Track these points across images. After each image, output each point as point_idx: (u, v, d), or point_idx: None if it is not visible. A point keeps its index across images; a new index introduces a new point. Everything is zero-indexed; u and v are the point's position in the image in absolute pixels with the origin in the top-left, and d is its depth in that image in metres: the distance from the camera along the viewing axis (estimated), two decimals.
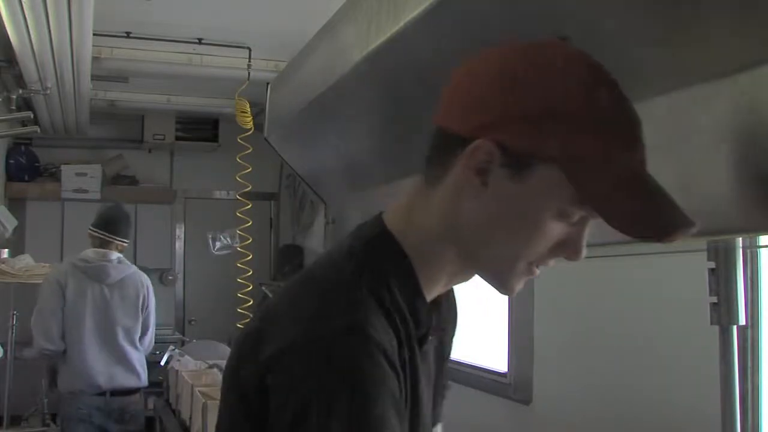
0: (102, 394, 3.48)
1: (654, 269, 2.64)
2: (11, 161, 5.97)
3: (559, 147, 0.78)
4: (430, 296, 0.89)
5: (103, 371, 3.49)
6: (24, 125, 4.76)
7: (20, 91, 4.19)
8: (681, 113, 1.00)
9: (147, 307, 3.69)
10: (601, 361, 3.01)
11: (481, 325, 4.45)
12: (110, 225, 3.65)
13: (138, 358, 3.64)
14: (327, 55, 1.87)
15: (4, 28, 3.18)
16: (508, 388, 3.70)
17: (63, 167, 6.12)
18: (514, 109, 0.79)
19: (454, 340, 1.10)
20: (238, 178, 4.41)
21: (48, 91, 4.11)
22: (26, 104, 4.63)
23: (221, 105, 5.50)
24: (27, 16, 2.99)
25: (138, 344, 3.65)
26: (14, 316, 3.90)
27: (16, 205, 5.81)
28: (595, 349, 3.09)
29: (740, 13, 0.85)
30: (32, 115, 4.12)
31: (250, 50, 4.30)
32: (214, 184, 6.43)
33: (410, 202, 0.90)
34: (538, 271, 0.87)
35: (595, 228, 1.21)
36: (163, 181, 6.72)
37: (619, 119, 0.80)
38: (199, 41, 4.26)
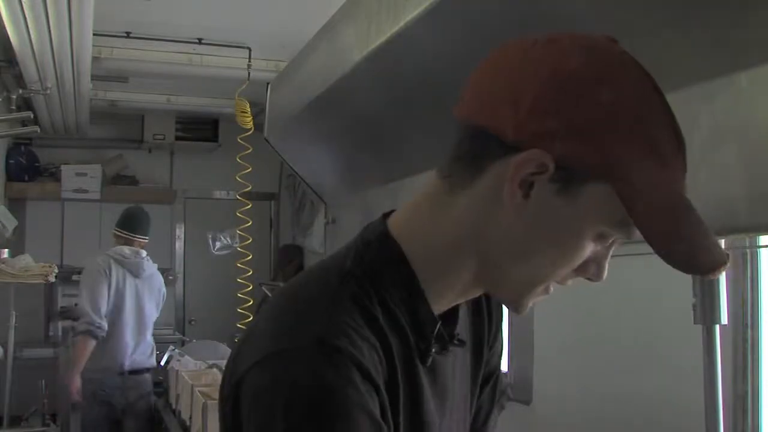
0: (122, 373, 3.94)
1: (654, 270, 2.64)
2: (11, 161, 5.97)
3: (616, 163, 0.70)
4: (437, 308, 0.81)
5: (130, 353, 3.99)
6: (24, 125, 4.76)
7: (20, 91, 4.19)
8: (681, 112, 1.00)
9: (164, 300, 4.33)
10: (601, 361, 3.01)
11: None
12: (132, 225, 4.16)
13: (152, 343, 4.20)
14: (327, 55, 1.87)
15: (4, 28, 3.18)
16: (508, 388, 3.71)
17: (63, 167, 6.12)
18: (578, 117, 0.70)
19: (498, 350, 0.98)
20: (238, 178, 4.41)
21: (48, 91, 4.11)
22: (26, 104, 4.63)
23: (221, 105, 5.50)
24: (27, 16, 2.99)
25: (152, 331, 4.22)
26: (14, 316, 3.90)
27: (16, 205, 5.81)
28: (595, 349, 3.09)
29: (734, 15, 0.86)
30: (32, 115, 4.12)
31: (250, 50, 4.30)
32: (214, 184, 6.43)
33: (424, 203, 0.80)
34: (552, 290, 0.80)
35: None
36: (163, 181, 6.72)
37: (672, 138, 0.73)
38: (199, 41, 4.26)
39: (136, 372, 4.00)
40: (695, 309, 1.42)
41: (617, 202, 0.70)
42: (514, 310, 0.81)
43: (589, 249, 0.75)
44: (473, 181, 0.75)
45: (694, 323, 1.45)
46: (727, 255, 0.73)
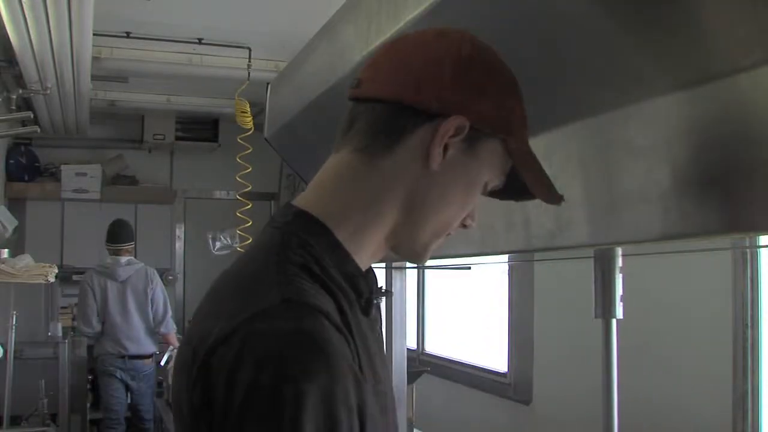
0: (122, 357, 4.80)
1: (654, 270, 2.64)
2: (11, 161, 5.97)
3: (505, 122, 0.89)
4: (362, 266, 0.90)
5: (123, 342, 4.80)
6: (24, 125, 4.76)
7: (20, 91, 4.19)
8: (671, 115, 1.00)
9: (153, 292, 4.94)
10: (601, 361, 3.01)
11: (481, 325, 4.45)
12: (113, 237, 5.00)
13: (148, 332, 4.89)
14: (327, 55, 1.86)
15: (4, 28, 3.18)
16: (508, 388, 3.71)
17: (63, 167, 6.12)
18: (477, 85, 0.88)
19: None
20: (238, 178, 4.41)
21: (48, 91, 4.11)
22: (26, 104, 4.63)
23: (221, 105, 5.50)
24: (27, 16, 2.99)
25: (151, 321, 4.91)
26: (14, 316, 3.91)
27: (16, 205, 5.81)
28: (595, 349, 3.08)
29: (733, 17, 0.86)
30: (32, 115, 4.12)
31: (250, 50, 4.30)
32: (214, 184, 6.43)
33: (334, 179, 0.91)
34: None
35: (594, 229, 1.21)
36: (163, 181, 6.72)
37: (522, 105, 0.93)
38: (199, 41, 4.26)
39: (135, 357, 4.84)
40: (597, 305, 1.60)
41: (504, 155, 0.91)
42: (418, 258, 0.94)
43: (475, 196, 0.92)
44: (394, 149, 0.88)
45: (594, 317, 1.64)
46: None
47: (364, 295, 0.89)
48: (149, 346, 4.95)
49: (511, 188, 0.96)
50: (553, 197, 0.95)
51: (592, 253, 1.54)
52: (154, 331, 4.99)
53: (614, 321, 1.62)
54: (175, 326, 5.10)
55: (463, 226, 0.94)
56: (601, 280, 1.61)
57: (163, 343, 4.99)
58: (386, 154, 0.88)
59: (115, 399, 4.82)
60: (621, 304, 1.60)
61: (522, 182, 0.92)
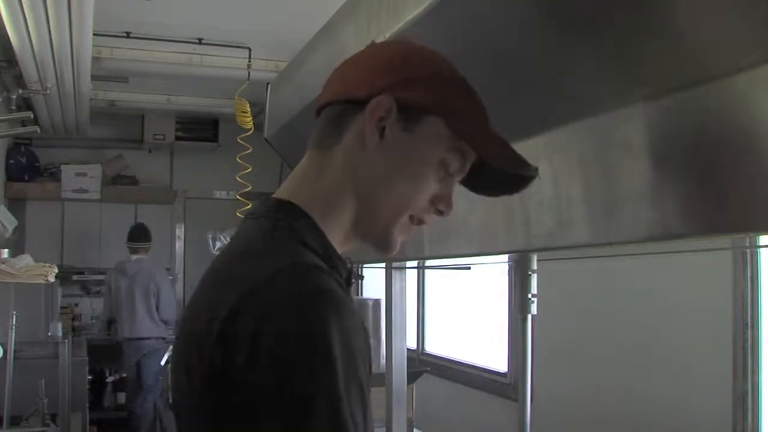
0: (130, 339, 5.58)
1: (653, 270, 2.64)
2: (11, 161, 5.97)
3: (441, 101, 0.96)
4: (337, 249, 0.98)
5: (128, 327, 5.59)
6: (24, 125, 4.76)
7: (20, 91, 4.19)
8: (681, 112, 1.00)
9: (156, 286, 5.62)
10: (601, 361, 3.01)
11: (480, 325, 4.45)
12: (130, 237, 5.73)
13: (151, 319, 5.61)
14: (327, 55, 1.86)
15: (4, 28, 3.18)
16: (508, 388, 3.71)
17: (63, 167, 6.12)
18: (407, 73, 0.96)
19: None
20: (238, 178, 4.41)
21: (48, 91, 4.11)
22: (26, 104, 4.63)
23: (221, 105, 5.50)
24: (27, 16, 2.99)
25: (154, 311, 5.62)
26: (14, 316, 3.90)
27: (16, 205, 5.81)
28: (595, 349, 3.09)
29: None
30: (32, 115, 4.11)
31: (250, 50, 4.30)
32: (214, 184, 6.42)
33: (305, 171, 1.00)
34: (414, 228, 0.99)
35: (594, 229, 1.21)
36: (163, 181, 6.72)
37: (469, 90, 1.00)
38: (199, 41, 4.26)
39: (132, 339, 5.59)
40: (514, 304, 1.85)
41: (449, 131, 0.96)
42: (383, 247, 0.98)
43: (435, 176, 0.97)
44: (341, 138, 0.97)
45: (515, 315, 1.83)
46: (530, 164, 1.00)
47: (343, 274, 0.96)
48: (152, 331, 5.61)
49: (488, 179, 1.02)
50: (523, 168, 0.99)
51: (592, 253, 1.54)
52: (156, 320, 5.64)
53: (529, 317, 1.85)
54: (175, 315, 5.68)
55: (439, 212, 0.99)
56: (519, 283, 1.83)
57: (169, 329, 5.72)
58: (336, 146, 0.98)
59: (128, 371, 5.69)
60: (534, 302, 1.83)
61: (498, 171, 0.98)
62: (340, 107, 0.99)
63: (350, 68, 1.03)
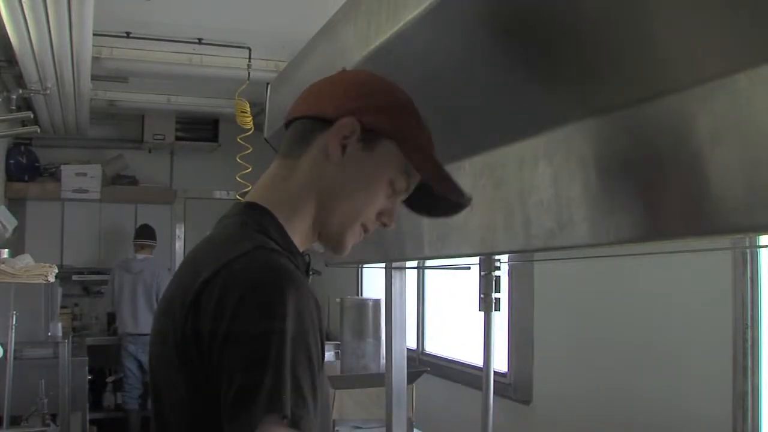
0: (132, 334, 5.73)
1: (653, 270, 2.64)
2: (11, 161, 5.97)
3: (398, 128, 1.10)
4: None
5: (131, 322, 5.76)
6: (24, 125, 4.76)
7: (20, 91, 4.19)
8: (681, 112, 1.00)
9: (158, 285, 5.77)
10: (601, 361, 3.01)
11: (480, 325, 4.45)
12: (136, 234, 5.98)
13: (152, 315, 5.65)
14: (327, 55, 1.86)
15: (4, 28, 3.18)
16: (508, 388, 3.70)
17: (63, 167, 6.12)
18: (373, 101, 1.11)
19: None
20: (238, 178, 4.41)
21: (48, 91, 4.12)
22: (26, 104, 4.64)
23: (221, 105, 5.50)
24: (27, 16, 2.99)
25: (155, 308, 5.47)
26: (14, 316, 3.90)
27: (16, 205, 5.81)
28: (595, 349, 3.09)
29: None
30: (32, 115, 4.11)
31: (250, 50, 4.30)
32: (214, 184, 6.43)
33: (273, 177, 1.13)
34: (363, 236, 1.13)
35: (594, 229, 1.21)
36: (163, 181, 6.72)
37: (423, 126, 1.15)
38: (199, 41, 4.26)
39: (135, 335, 5.72)
40: (481, 301, 2.09)
41: (400, 155, 1.10)
42: (338, 249, 1.13)
43: (384, 192, 1.11)
44: (308, 149, 1.11)
45: (479, 311, 2.10)
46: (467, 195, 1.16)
47: (301, 266, 1.08)
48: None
49: (427, 202, 1.16)
50: (459, 197, 1.13)
51: (592, 253, 1.54)
52: None
53: (493, 314, 2.09)
54: None
55: (383, 225, 1.14)
56: (484, 282, 2.07)
57: None
58: (302, 156, 1.11)
59: (126, 367, 5.80)
60: (496, 300, 2.08)
61: (436, 195, 1.12)
62: (309, 122, 1.12)
63: (321, 89, 1.16)
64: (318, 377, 0.94)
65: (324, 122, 1.10)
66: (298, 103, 1.18)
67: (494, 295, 2.08)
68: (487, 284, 2.07)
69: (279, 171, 1.13)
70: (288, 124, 1.17)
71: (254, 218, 1.07)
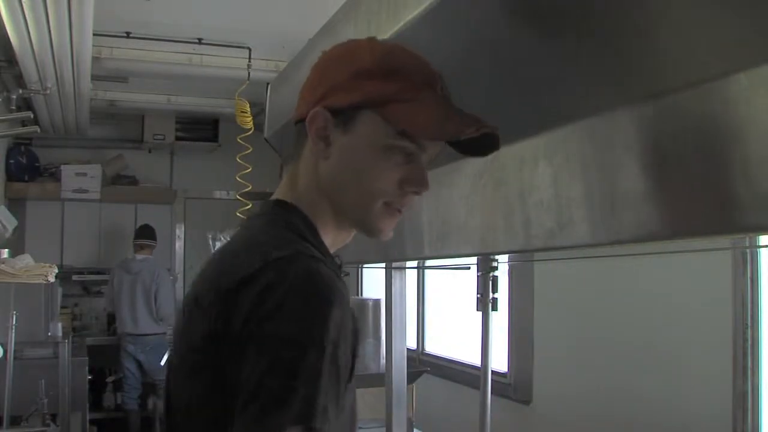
0: (131, 334, 5.74)
1: (653, 270, 2.64)
2: (11, 161, 5.97)
3: (363, 96, 1.03)
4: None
5: (130, 322, 5.74)
6: (24, 125, 4.76)
7: (20, 91, 4.19)
8: (681, 112, 1.00)
9: (156, 285, 5.78)
10: (601, 361, 3.01)
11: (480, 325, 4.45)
12: (138, 234, 5.93)
13: (151, 317, 5.77)
14: None
15: (4, 28, 3.18)
16: (508, 388, 3.71)
17: (63, 167, 6.11)
18: (326, 83, 1.06)
19: None
20: (238, 178, 4.40)
21: (48, 91, 4.11)
22: (26, 104, 4.63)
23: (221, 105, 5.50)
24: (27, 16, 2.99)
25: (153, 308, 5.78)
26: (14, 316, 3.90)
27: (16, 205, 5.81)
28: (595, 349, 3.09)
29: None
30: (32, 115, 4.11)
31: (250, 50, 4.30)
32: (214, 184, 6.43)
33: (285, 181, 1.12)
34: (400, 213, 1.07)
35: (594, 229, 1.21)
36: (163, 181, 6.71)
37: (393, 71, 1.05)
38: (199, 41, 4.26)
39: (135, 335, 5.74)
40: (479, 301, 2.08)
41: (383, 121, 1.02)
42: (373, 234, 1.07)
43: (386, 162, 1.03)
44: (302, 152, 1.09)
45: (476, 311, 2.11)
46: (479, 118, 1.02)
47: (335, 271, 1.03)
48: (152, 328, 5.78)
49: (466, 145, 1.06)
50: (477, 128, 1.02)
51: (592, 253, 1.54)
52: (156, 317, 5.80)
53: (491, 314, 2.10)
54: (172, 312, 5.80)
55: (414, 193, 1.06)
56: (481, 282, 2.07)
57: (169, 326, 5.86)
58: (299, 159, 1.10)
59: (125, 367, 5.79)
60: (494, 300, 2.09)
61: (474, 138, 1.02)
62: (297, 126, 1.11)
63: (301, 90, 1.14)
64: (343, 393, 0.92)
65: (304, 122, 1.08)
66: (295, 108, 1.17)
67: (492, 295, 2.08)
68: (485, 284, 2.08)
69: (289, 175, 1.12)
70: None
71: (287, 218, 1.05)
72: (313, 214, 1.06)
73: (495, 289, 2.07)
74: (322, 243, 1.05)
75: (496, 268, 2.08)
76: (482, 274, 2.08)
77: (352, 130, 1.04)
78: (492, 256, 2.03)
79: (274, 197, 1.11)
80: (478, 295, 2.09)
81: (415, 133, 1.03)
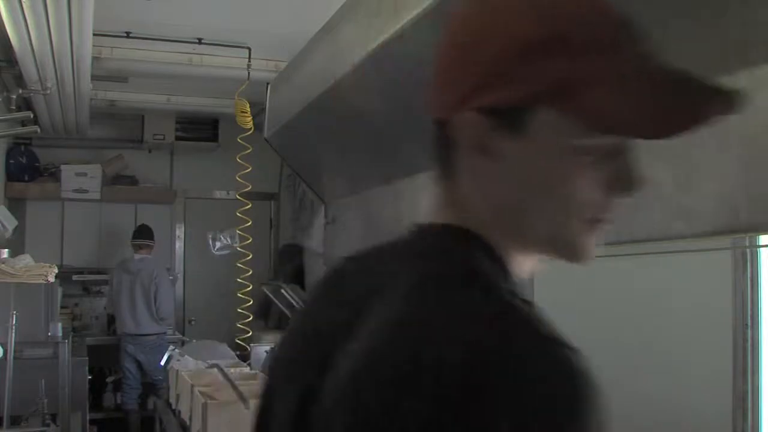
0: (131, 335, 5.76)
1: (654, 270, 2.64)
2: (11, 161, 5.97)
3: (536, 88, 0.71)
4: None
5: (129, 322, 5.76)
6: (24, 125, 4.76)
7: (20, 91, 4.19)
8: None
9: (156, 285, 5.79)
10: (601, 361, 3.01)
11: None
12: (135, 234, 5.96)
13: (151, 316, 5.79)
14: (327, 55, 1.86)
15: (4, 28, 3.18)
16: None
17: (63, 167, 6.11)
18: (478, 69, 0.73)
19: None
20: (238, 178, 4.41)
21: (48, 91, 4.11)
22: (26, 104, 4.63)
23: (221, 105, 5.50)
24: (27, 16, 2.99)
25: (153, 308, 5.78)
26: (14, 316, 3.90)
27: (16, 205, 5.81)
28: (595, 349, 3.08)
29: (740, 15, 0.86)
30: (32, 115, 4.12)
31: (250, 50, 4.30)
32: (214, 184, 6.43)
33: (441, 204, 0.81)
34: (609, 223, 0.78)
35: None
36: (163, 181, 6.71)
37: (599, 29, 0.72)
38: (199, 41, 4.26)
39: (135, 335, 5.76)
40: None
41: (564, 116, 0.70)
42: (577, 259, 0.79)
43: (586, 169, 0.73)
44: (455, 168, 0.78)
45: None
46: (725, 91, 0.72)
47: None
48: (152, 328, 5.79)
49: None
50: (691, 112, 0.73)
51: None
52: (156, 317, 5.81)
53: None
54: (172, 312, 5.96)
55: (625, 193, 0.78)
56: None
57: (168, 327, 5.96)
58: (453, 178, 0.78)
59: (125, 368, 5.82)
60: None
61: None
62: (435, 127, 0.79)
63: (436, 69, 0.79)
64: None
65: (446, 126, 0.77)
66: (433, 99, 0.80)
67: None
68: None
69: (444, 196, 0.81)
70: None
71: (475, 260, 0.74)
72: (496, 244, 0.76)
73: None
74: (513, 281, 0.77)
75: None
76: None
77: (524, 135, 0.72)
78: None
79: (448, 220, 0.79)
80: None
81: (621, 131, 0.72)
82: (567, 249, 0.78)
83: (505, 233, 0.76)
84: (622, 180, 0.75)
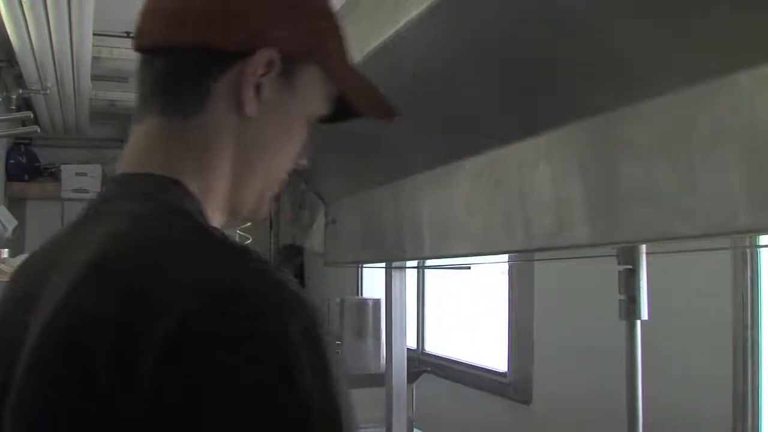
0: None
1: (655, 269, 2.64)
2: (11, 161, 5.97)
3: (319, 44, 0.77)
4: None
5: None
6: (24, 125, 4.76)
7: (20, 91, 4.19)
8: (681, 112, 1.00)
9: None
10: (601, 361, 3.01)
11: (480, 325, 4.45)
12: None
13: None
14: None
15: (4, 28, 3.18)
16: (508, 388, 3.70)
17: (63, 167, 6.11)
18: (286, 11, 0.74)
19: None
20: None
21: (48, 91, 4.12)
22: (26, 104, 4.63)
23: None
24: (27, 16, 2.99)
25: None
26: None
27: (16, 205, 5.81)
28: (595, 349, 3.08)
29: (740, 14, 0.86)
30: (32, 115, 4.12)
31: None
32: None
33: (158, 142, 0.80)
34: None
35: (594, 229, 1.21)
36: None
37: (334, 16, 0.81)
38: None
39: None
40: (621, 306, 1.57)
41: (324, 80, 0.78)
42: (262, 213, 0.83)
43: (306, 131, 0.81)
44: (203, 103, 0.73)
45: (619, 319, 1.61)
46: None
47: None
48: None
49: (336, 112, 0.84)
50: (385, 112, 0.87)
51: (595, 252, 1.54)
52: None
53: (638, 323, 1.60)
54: None
55: (298, 165, 0.85)
56: (623, 279, 1.59)
57: None
58: (198, 112, 0.74)
59: None
60: (648, 303, 1.61)
61: (346, 103, 0.82)
62: (190, 57, 0.73)
63: (186, 1, 0.75)
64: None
65: (221, 56, 0.73)
66: (157, 18, 0.81)
67: (642, 297, 1.59)
68: (629, 284, 1.57)
69: (166, 135, 0.79)
70: (147, 53, 0.81)
71: (189, 205, 0.71)
72: (206, 194, 0.74)
73: (639, 287, 1.54)
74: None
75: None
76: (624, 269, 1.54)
77: (291, 87, 0.75)
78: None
79: (130, 169, 0.81)
80: (622, 297, 1.57)
81: (356, 105, 0.82)
82: (257, 209, 0.82)
83: (214, 189, 0.74)
84: (304, 154, 0.83)
